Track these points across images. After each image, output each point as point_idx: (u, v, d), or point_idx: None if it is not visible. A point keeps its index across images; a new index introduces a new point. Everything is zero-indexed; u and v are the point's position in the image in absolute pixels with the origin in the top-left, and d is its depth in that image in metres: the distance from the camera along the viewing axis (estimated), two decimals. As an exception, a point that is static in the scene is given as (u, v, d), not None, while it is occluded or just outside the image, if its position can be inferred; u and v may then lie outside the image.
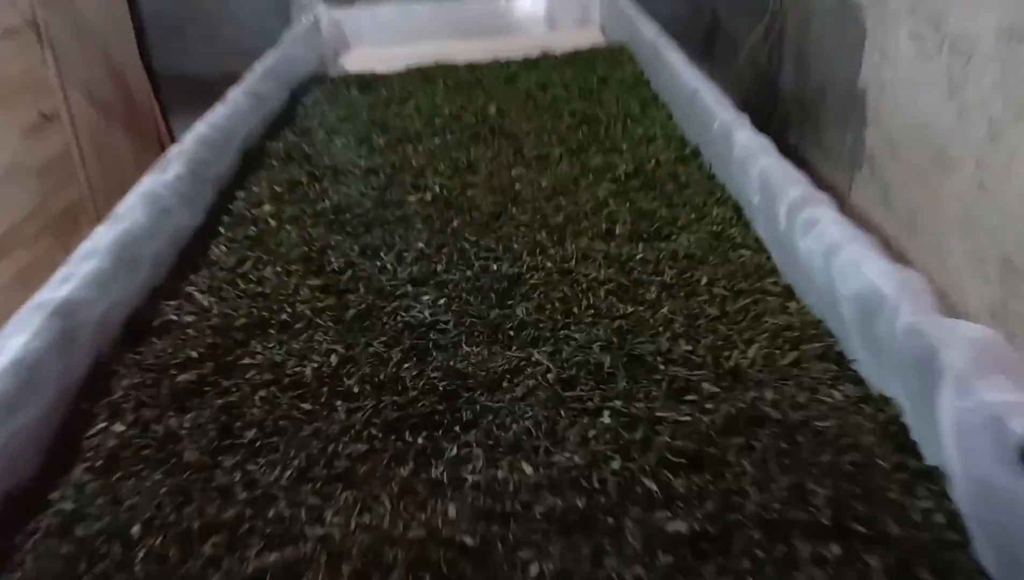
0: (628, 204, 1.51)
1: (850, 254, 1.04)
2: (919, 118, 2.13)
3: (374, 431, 0.99)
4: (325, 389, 1.07)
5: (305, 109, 2.23)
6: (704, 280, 1.24)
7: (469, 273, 1.32)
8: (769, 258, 1.29)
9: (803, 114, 2.99)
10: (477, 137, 1.94)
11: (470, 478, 0.90)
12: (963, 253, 1.98)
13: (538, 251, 1.37)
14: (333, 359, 1.12)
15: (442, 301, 1.24)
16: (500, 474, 0.91)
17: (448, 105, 2.18)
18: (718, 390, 1.00)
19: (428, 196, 1.62)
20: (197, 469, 0.95)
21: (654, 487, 0.86)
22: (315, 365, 1.11)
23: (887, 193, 2.36)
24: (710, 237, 1.37)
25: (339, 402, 1.04)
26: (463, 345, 1.14)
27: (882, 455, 0.88)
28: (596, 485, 0.87)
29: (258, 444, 0.98)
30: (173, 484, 0.93)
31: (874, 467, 0.86)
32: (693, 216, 1.45)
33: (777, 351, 1.06)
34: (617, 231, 1.42)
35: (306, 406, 1.04)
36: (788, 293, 1.20)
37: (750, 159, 1.39)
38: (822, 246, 1.09)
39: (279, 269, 1.37)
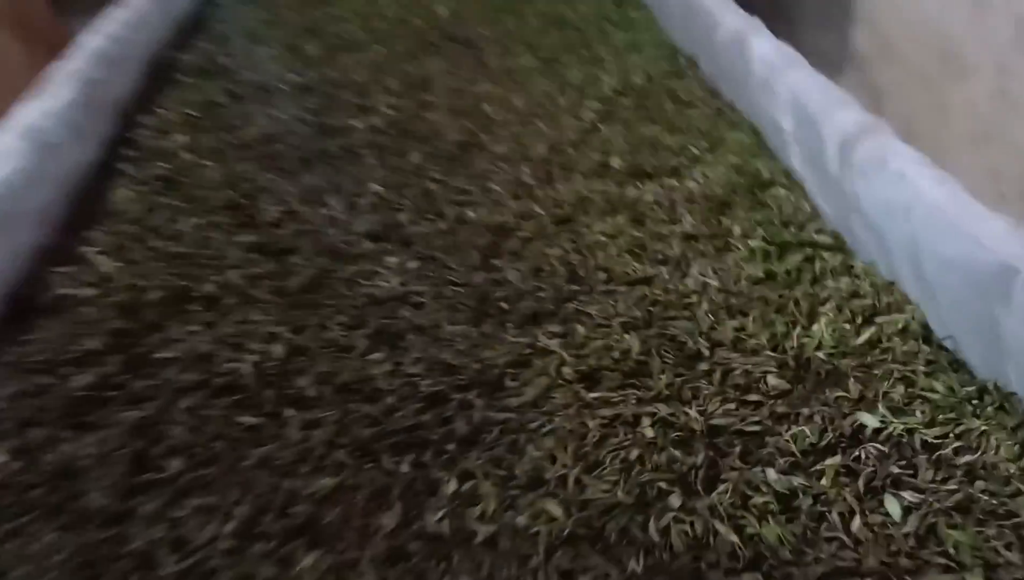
0: (622, 129, 1.26)
1: (944, 207, 0.81)
2: (924, 16, 1.90)
3: (342, 456, 0.75)
4: (271, 393, 0.81)
5: (220, 11, 1.89)
6: (736, 229, 1.01)
7: (442, 225, 1.06)
8: (807, 197, 1.07)
9: (775, 9, 2.73)
10: (428, 45, 1.65)
11: (480, 530, 0.67)
12: (973, 167, 1.78)
13: (523, 193, 1.12)
14: (278, 349, 0.87)
15: (412, 263, 0.99)
16: (521, 521, 0.68)
17: (390, 5, 1.87)
18: (788, 386, 0.78)
19: (378, 120, 1.34)
20: (104, 522, 0.70)
21: (735, 539, 0.64)
22: (255, 357, 0.86)
23: (879, 100, 2.14)
24: (730, 171, 1.13)
25: (290, 412, 0.79)
26: (445, 325, 0.89)
27: (1021, 476, 0.68)
28: (655, 537, 0.65)
29: (185, 480, 0.73)
30: (73, 547, 0.68)
31: (1017, 495, 0.66)
32: (705, 144, 1.20)
33: (848, 326, 0.85)
34: (614, 165, 1.17)
35: (247, 419, 0.79)
36: (842, 245, 0.98)
37: (776, 75, 1.14)
38: (901, 195, 0.86)
39: (200, 221, 1.09)
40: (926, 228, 0.83)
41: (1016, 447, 0.70)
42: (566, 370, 0.81)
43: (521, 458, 0.73)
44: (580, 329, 0.86)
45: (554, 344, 0.84)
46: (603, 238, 1.00)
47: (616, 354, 0.83)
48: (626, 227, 1.02)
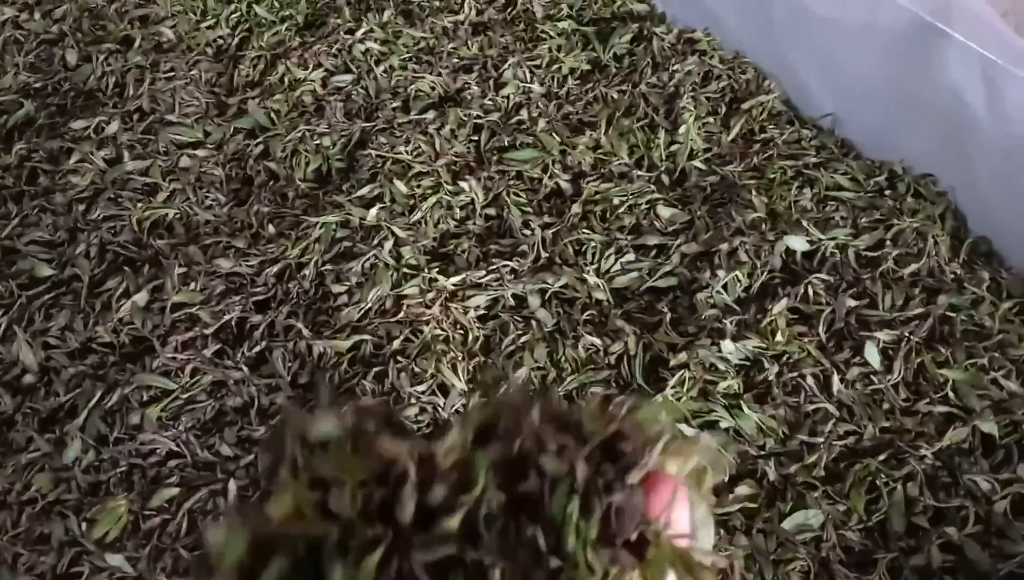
0: None
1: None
2: None
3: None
4: None
5: None
6: (536, 9, 0.79)
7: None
8: None
9: None
10: None
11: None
12: None
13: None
14: None
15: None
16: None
17: None
18: (685, 214, 0.62)
19: None
20: None
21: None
22: None
23: None
24: None
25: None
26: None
27: (969, 277, 0.59)
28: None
29: None
30: None
31: (978, 302, 0.57)
32: None
33: (713, 120, 0.69)
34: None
35: None
36: (663, 14, 0.80)
37: None
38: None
39: None
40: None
41: (949, 240, 0.60)
42: (405, 251, 0.59)
43: (395, 400, 0.52)
44: (399, 186, 0.63)
45: (372, 216, 0.61)
46: (374, 45, 0.75)
47: (459, 213, 0.62)
48: (398, 25, 0.77)
